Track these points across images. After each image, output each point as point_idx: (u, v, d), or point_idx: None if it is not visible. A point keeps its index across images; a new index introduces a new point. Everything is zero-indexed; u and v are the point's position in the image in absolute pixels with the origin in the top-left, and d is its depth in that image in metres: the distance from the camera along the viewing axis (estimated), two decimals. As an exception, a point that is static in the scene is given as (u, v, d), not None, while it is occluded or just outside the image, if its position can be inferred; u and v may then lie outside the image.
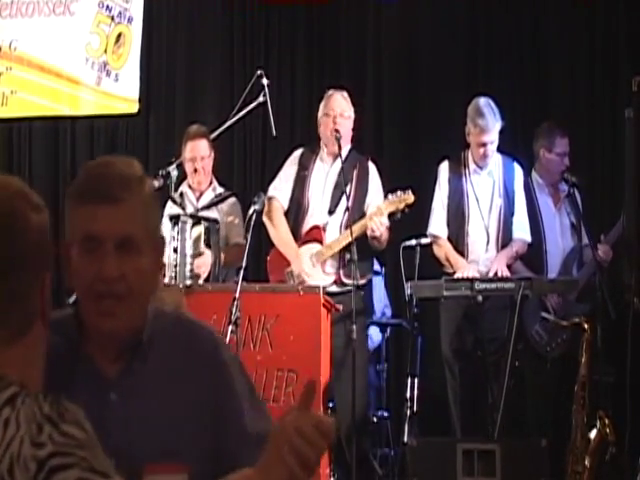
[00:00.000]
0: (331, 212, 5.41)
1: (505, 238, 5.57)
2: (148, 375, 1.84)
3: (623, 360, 4.90)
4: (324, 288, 5.05)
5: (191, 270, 5.44)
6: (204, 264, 5.49)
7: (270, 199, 5.47)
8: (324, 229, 5.41)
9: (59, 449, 1.33)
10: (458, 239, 5.57)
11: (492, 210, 5.57)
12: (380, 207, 5.26)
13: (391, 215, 5.28)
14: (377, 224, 5.18)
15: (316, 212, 5.44)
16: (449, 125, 6.72)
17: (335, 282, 5.33)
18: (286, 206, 5.51)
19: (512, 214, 5.59)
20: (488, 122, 5.48)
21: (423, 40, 6.93)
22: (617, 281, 5.45)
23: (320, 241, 5.39)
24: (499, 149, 5.64)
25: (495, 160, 5.62)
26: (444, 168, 5.68)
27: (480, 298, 5.18)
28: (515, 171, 5.66)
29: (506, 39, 6.80)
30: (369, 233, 5.22)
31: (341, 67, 7.04)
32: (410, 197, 5.26)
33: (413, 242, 5.58)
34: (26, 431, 1.33)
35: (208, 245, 5.53)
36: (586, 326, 4.83)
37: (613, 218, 5.83)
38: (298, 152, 5.63)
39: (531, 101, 6.40)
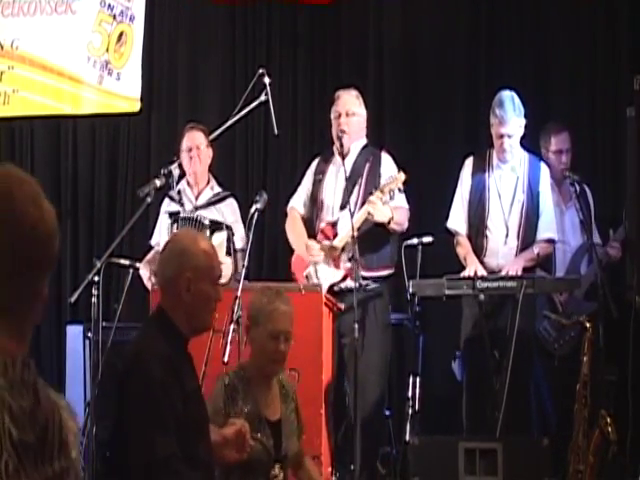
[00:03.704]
0: (343, 207, 5.48)
1: (527, 233, 5.54)
2: None
3: (625, 359, 4.91)
4: (336, 285, 5.31)
5: None
6: (224, 275, 5.43)
7: (290, 210, 5.71)
8: (335, 225, 5.53)
9: None
10: (478, 231, 5.58)
11: (514, 204, 5.56)
12: (376, 194, 5.38)
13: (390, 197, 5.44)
14: (373, 210, 5.32)
15: (330, 210, 5.58)
16: (451, 123, 6.73)
17: (346, 276, 5.38)
18: (303, 212, 5.69)
19: (536, 212, 5.57)
20: (506, 113, 5.49)
21: (425, 39, 6.93)
22: (619, 280, 5.45)
23: (332, 238, 5.47)
24: (527, 148, 5.65)
25: (520, 157, 5.62)
26: (468, 164, 5.72)
27: (482, 297, 5.18)
28: (541, 171, 5.66)
29: (508, 37, 6.80)
30: (370, 218, 5.35)
31: (342, 66, 7.03)
32: (401, 176, 5.44)
33: (415, 241, 5.57)
34: None
35: (228, 253, 5.50)
36: (588, 325, 4.82)
37: (615, 217, 5.83)
38: (315, 161, 5.81)
39: (533, 100, 6.39)
